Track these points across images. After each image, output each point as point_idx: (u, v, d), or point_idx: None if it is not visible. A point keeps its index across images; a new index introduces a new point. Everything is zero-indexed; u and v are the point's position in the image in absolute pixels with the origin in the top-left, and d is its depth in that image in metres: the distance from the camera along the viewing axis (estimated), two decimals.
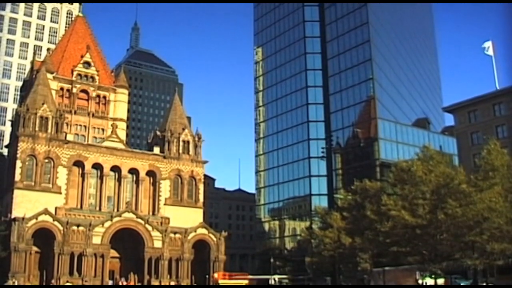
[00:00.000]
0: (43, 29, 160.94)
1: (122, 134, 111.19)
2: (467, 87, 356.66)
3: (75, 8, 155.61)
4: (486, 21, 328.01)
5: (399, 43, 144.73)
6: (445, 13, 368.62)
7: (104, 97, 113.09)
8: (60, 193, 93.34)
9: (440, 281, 67.37)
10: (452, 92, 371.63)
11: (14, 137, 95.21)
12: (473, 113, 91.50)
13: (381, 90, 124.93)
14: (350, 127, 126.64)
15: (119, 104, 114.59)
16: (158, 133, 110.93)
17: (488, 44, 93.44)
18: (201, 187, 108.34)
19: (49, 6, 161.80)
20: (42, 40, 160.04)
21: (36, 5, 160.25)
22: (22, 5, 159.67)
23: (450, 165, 69.79)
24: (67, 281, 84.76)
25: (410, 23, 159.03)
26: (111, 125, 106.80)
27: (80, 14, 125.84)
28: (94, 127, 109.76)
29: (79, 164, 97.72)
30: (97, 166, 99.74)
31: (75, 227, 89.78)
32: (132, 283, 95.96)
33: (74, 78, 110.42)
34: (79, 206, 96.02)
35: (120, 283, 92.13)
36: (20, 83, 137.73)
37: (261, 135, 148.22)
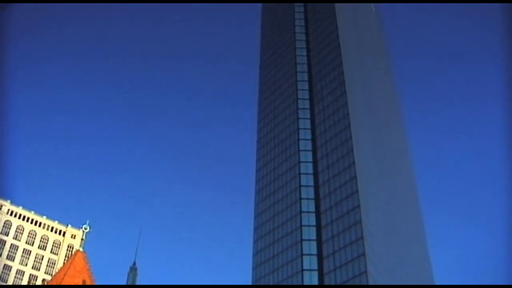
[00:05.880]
0: (42, 259, 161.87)
1: None
2: None
3: (76, 242, 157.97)
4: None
5: None
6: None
7: None
8: None
9: None
10: None
11: None
12: None
13: None
14: None
15: None
16: None
17: None
18: None
19: (52, 238, 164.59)
20: (39, 270, 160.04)
21: (39, 235, 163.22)
22: (25, 233, 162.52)
23: None
24: None
25: None
26: None
27: (81, 249, 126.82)
28: None
29: None
30: None
31: None
32: None
33: None
34: None
35: None
36: None
37: None
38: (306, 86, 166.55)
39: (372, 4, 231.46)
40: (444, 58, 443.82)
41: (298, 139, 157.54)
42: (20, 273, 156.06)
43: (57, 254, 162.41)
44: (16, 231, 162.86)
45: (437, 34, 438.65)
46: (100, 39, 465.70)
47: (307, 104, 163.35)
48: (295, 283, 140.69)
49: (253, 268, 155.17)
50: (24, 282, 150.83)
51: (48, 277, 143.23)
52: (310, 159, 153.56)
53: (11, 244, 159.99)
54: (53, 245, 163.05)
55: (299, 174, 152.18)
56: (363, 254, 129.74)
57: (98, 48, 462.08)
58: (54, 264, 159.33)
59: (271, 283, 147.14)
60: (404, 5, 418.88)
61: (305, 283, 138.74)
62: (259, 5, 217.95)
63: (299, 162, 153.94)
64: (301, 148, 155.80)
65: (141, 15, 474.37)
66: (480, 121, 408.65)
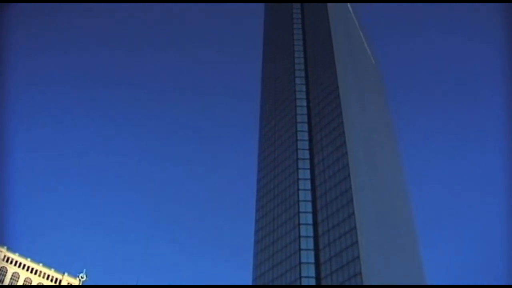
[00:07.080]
0: None
1: None
2: None
3: None
4: None
5: None
6: None
7: None
8: None
9: None
10: None
11: None
12: None
13: None
14: None
15: None
16: None
17: None
18: None
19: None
20: None
21: (34, 283, 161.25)
22: (21, 280, 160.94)
23: None
24: None
25: None
26: None
27: None
28: None
29: None
30: None
31: None
32: None
33: None
34: None
35: None
36: None
37: None
38: (306, 136, 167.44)
39: (371, 55, 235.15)
40: (444, 102, 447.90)
41: (298, 189, 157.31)
42: None
43: None
44: (11, 278, 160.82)
45: (437, 78, 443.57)
46: (100, 40, 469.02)
47: (306, 154, 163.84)
48: None
49: None
50: None
51: None
52: (309, 209, 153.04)
53: None
54: None
55: (299, 224, 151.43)
56: None
57: (97, 51, 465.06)
58: None
59: None
60: (403, 53, 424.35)
61: None
62: (259, 54, 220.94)
63: (299, 212, 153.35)
64: (300, 198, 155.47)
65: (141, 16, 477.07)
66: (479, 169, 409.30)
